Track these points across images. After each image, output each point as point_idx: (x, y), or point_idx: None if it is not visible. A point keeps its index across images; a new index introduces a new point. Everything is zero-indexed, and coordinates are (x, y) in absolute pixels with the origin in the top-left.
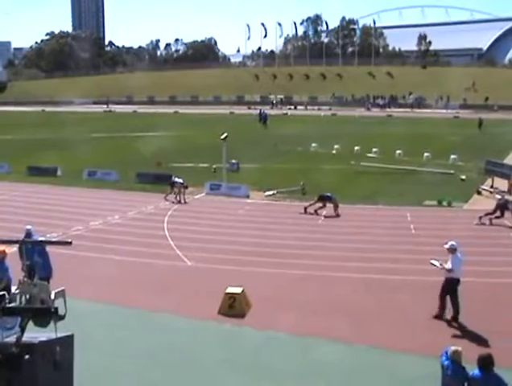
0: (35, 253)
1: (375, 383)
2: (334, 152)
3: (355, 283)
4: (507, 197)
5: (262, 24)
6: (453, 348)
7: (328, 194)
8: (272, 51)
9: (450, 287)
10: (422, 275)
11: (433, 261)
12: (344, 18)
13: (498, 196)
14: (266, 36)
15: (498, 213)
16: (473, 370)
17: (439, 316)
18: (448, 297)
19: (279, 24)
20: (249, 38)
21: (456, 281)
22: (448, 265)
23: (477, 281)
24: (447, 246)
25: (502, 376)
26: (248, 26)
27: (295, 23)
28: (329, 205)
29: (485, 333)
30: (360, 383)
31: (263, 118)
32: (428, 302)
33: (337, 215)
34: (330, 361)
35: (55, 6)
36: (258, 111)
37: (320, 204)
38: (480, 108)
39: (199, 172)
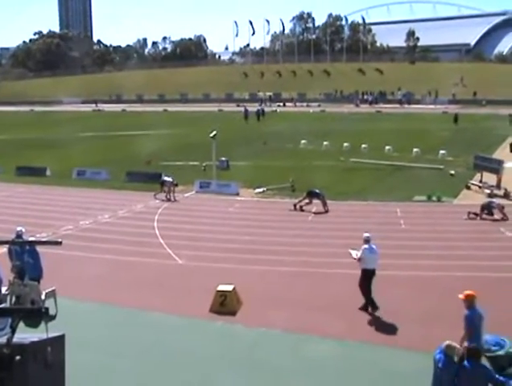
0: (25, 254)
1: (368, 379)
2: (323, 148)
3: (346, 279)
4: (489, 199)
5: (250, 22)
6: (447, 342)
7: (317, 190)
8: (261, 49)
9: (362, 277)
10: (412, 270)
11: (350, 251)
12: (331, 14)
13: (487, 191)
14: (253, 34)
15: (486, 212)
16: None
17: (364, 308)
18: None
19: (267, 21)
20: (237, 35)
21: (368, 272)
22: (356, 255)
23: (467, 276)
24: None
25: (490, 367)
26: (236, 23)
27: (281, 20)
28: (318, 201)
29: None
30: (353, 378)
31: (259, 114)
32: (419, 297)
33: (326, 212)
34: (323, 357)
35: (43, 5)
36: (253, 108)
37: (306, 200)
38: (468, 103)
39: (188, 170)
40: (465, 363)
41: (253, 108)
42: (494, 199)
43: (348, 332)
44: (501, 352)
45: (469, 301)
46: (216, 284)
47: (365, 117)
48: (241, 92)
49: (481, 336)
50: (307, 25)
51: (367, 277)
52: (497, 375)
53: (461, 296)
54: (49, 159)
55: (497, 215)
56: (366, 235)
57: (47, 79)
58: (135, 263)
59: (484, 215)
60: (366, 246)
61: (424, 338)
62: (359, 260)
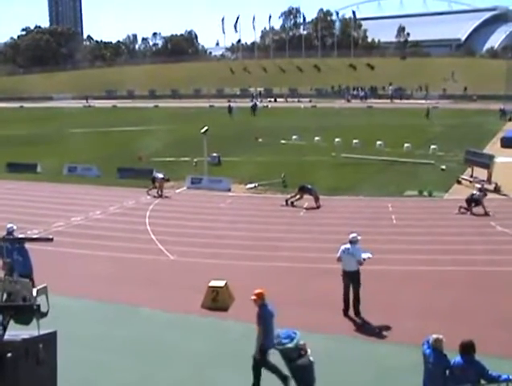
0: (14, 251)
1: (359, 374)
2: (315, 144)
3: (338, 274)
4: (471, 192)
5: (237, 19)
6: (434, 336)
7: (309, 186)
8: (252, 44)
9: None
10: (404, 265)
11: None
12: (321, 9)
13: (478, 185)
14: (238, 31)
15: (474, 205)
16: (455, 357)
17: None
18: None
19: (253, 18)
20: (223, 31)
21: (343, 272)
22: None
23: (458, 270)
24: None
25: (484, 363)
26: (222, 20)
27: (270, 16)
28: (309, 197)
29: (467, 321)
30: (344, 373)
31: (252, 109)
32: (411, 292)
33: (318, 207)
34: (314, 352)
35: (32, 1)
36: (249, 104)
37: (298, 196)
38: (459, 98)
39: (180, 166)
40: (458, 358)
41: (241, 103)
42: (475, 191)
43: (341, 327)
44: (290, 345)
45: (260, 300)
46: (207, 279)
47: (357, 112)
48: (231, 88)
49: (273, 331)
50: (297, 20)
51: (343, 276)
52: (489, 371)
53: (253, 296)
54: (40, 155)
55: (489, 209)
56: (351, 235)
57: (36, 75)
58: (127, 259)
59: (474, 209)
60: (343, 247)
61: (417, 333)
62: (338, 259)
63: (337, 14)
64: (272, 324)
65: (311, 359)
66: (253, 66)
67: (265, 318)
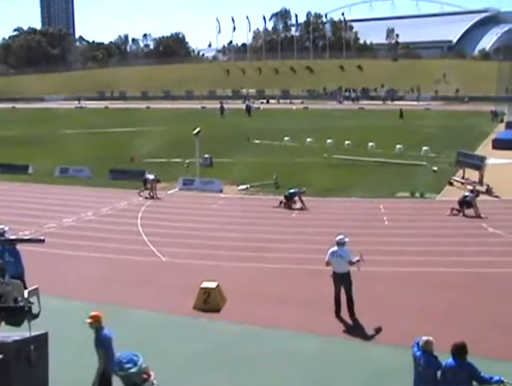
0: (6, 252)
1: (350, 375)
2: (307, 145)
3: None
4: (463, 194)
5: (232, 19)
6: (424, 338)
7: (291, 190)
8: (244, 45)
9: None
10: (396, 266)
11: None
12: (309, 12)
13: (470, 187)
14: (234, 30)
15: (466, 207)
16: (446, 359)
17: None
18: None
19: (247, 18)
20: (219, 31)
21: (333, 274)
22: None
23: (450, 271)
24: None
25: (475, 365)
26: (218, 20)
27: (264, 17)
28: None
29: (461, 322)
30: (335, 374)
31: (247, 110)
32: (401, 293)
33: (302, 209)
34: (305, 353)
35: (24, 2)
36: (242, 105)
37: (286, 202)
38: (451, 99)
39: (172, 167)
40: (450, 360)
41: (233, 105)
42: (467, 193)
43: (333, 328)
44: (133, 369)
45: (96, 323)
46: (199, 281)
47: (349, 113)
48: (223, 89)
49: (113, 355)
50: (288, 22)
51: (333, 278)
52: (481, 373)
53: (88, 319)
54: (31, 156)
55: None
56: (338, 237)
57: (28, 76)
58: (119, 260)
59: (466, 211)
60: (330, 250)
61: (410, 334)
62: (326, 264)
63: (325, 15)
64: (112, 348)
65: (156, 382)
66: (246, 67)
67: (103, 341)
